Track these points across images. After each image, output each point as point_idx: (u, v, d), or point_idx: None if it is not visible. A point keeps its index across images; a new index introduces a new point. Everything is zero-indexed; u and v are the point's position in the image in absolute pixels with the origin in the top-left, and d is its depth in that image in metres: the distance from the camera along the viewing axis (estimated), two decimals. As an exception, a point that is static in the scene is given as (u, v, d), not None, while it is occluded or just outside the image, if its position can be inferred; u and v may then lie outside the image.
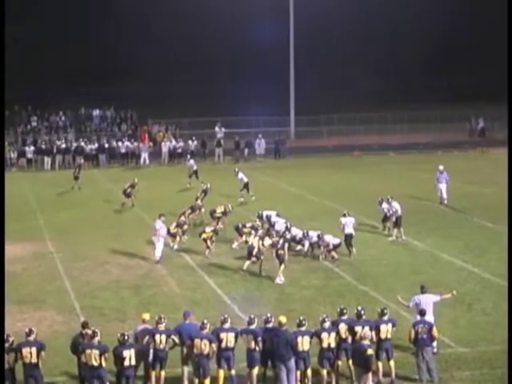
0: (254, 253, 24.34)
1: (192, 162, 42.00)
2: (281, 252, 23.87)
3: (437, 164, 36.99)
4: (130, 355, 15.53)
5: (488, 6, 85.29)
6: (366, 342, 15.69)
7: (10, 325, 18.57)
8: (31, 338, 15.70)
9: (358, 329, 16.29)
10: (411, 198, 35.93)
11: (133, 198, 35.35)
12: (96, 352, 15.35)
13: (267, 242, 24.66)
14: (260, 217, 28.46)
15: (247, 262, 24.48)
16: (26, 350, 15.49)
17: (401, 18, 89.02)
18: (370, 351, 15.58)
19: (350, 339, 16.39)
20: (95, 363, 15.33)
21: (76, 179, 40.60)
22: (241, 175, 36.78)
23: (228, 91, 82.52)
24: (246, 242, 25.14)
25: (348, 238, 26.45)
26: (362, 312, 16.57)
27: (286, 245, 24.46)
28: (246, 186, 36.53)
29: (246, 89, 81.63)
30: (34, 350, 15.50)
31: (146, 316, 17.02)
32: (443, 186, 34.99)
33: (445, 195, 34.91)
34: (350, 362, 16.46)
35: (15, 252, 27.22)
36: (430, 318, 17.40)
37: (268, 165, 49.68)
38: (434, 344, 17.48)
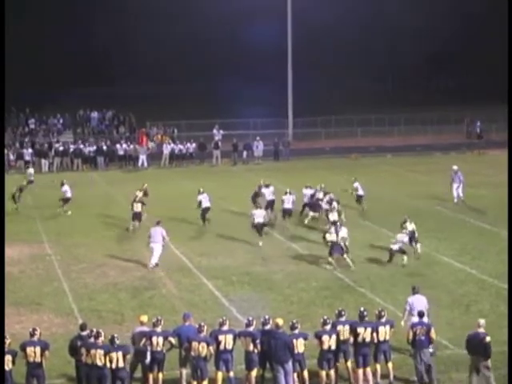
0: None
1: (31, 170, 39.09)
2: None
3: (434, 165, 37.09)
4: (117, 357, 15.49)
5: (487, 7, 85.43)
6: (482, 330, 15.78)
7: (7, 327, 18.55)
8: (35, 337, 15.76)
9: (361, 330, 16.30)
10: (409, 200, 35.97)
11: (20, 202, 35.04)
12: (101, 352, 15.40)
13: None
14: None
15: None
16: (30, 349, 15.56)
17: (399, 19, 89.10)
18: (488, 338, 15.72)
19: (351, 340, 16.38)
20: (100, 363, 15.38)
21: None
22: (65, 188, 35.09)
23: (226, 93, 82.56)
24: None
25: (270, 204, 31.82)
26: (365, 313, 16.58)
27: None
28: (66, 200, 34.76)
29: (244, 91, 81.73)
30: (38, 349, 15.58)
31: (144, 318, 17.02)
32: (459, 186, 35.57)
33: (461, 194, 35.49)
34: (349, 363, 16.51)
35: (13, 254, 27.21)
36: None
37: (266, 167, 49.63)
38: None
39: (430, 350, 17.31)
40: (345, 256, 25.12)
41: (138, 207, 30.49)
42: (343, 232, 25.50)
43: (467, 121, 62.40)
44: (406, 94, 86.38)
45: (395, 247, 25.39)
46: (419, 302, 17.88)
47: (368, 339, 16.29)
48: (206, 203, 31.19)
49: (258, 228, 28.23)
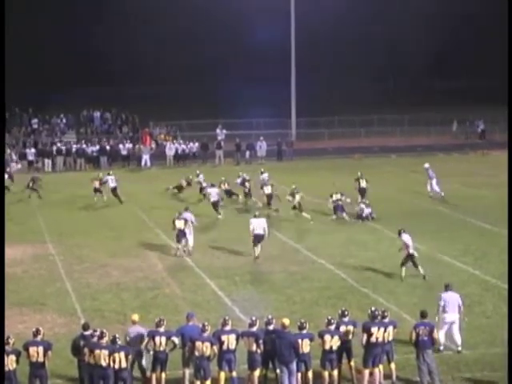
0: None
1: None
2: None
3: (437, 166, 37.10)
4: (119, 358, 15.51)
5: (488, 8, 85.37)
6: None
7: (10, 327, 18.59)
8: (38, 337, 15.78)
9: (374, 330, 16.30)
10: (411, 201, 35.97)
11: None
12: (105, 352, 15.43)
13: None
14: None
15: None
16: (33, 349, 15.60)
17: (399, 19, 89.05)
18: None
19: (364, 340, 16.37)
20: (104, 363, 15.40)
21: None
22: None
23: (227, 93, 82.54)
24: None
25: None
26: (376, 313, 16.57)
27: None
28: None
29: (245, 91, 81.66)
30: (40, 349, 15.60)
31: (135, 317, 17.04)
32: (433, 182, 36.21)
33: (438, 189, 36.05)
34: (352, 363, 16.51)
35: (16, 254, 27.23)
36: (454, 316, 17.88)
37: (269, 167, 49.45)
38: (459, 342, 17.90)
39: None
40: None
41: (96, 184, 36.83)
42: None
43: (455, 122, 62.51)
44: (407, 94, 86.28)
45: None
46: (451, 298, 18.13)
47: (381, 339, 16.28)
48: (112, 184, 36.67)
49: (214, 206, 32.55)
